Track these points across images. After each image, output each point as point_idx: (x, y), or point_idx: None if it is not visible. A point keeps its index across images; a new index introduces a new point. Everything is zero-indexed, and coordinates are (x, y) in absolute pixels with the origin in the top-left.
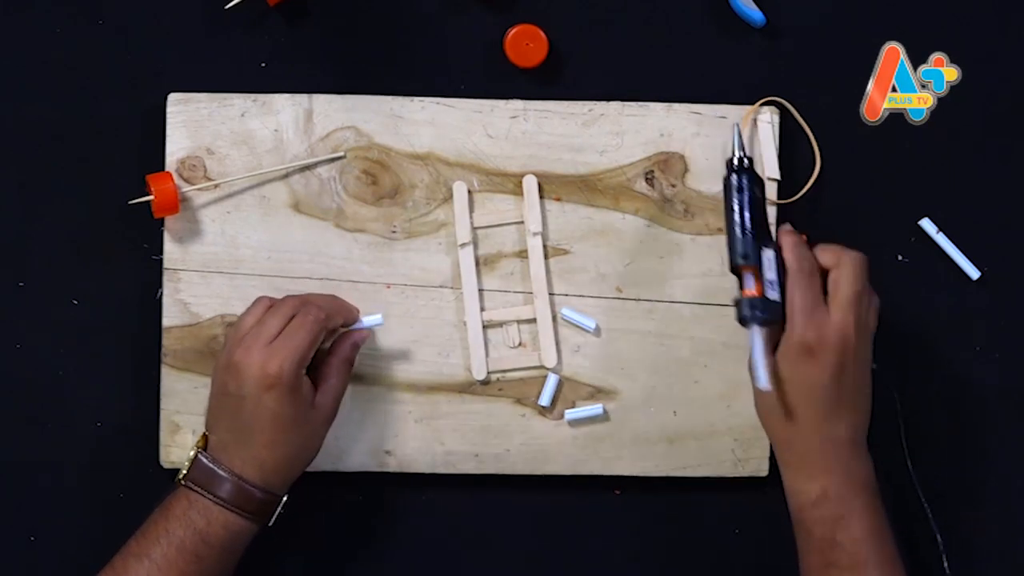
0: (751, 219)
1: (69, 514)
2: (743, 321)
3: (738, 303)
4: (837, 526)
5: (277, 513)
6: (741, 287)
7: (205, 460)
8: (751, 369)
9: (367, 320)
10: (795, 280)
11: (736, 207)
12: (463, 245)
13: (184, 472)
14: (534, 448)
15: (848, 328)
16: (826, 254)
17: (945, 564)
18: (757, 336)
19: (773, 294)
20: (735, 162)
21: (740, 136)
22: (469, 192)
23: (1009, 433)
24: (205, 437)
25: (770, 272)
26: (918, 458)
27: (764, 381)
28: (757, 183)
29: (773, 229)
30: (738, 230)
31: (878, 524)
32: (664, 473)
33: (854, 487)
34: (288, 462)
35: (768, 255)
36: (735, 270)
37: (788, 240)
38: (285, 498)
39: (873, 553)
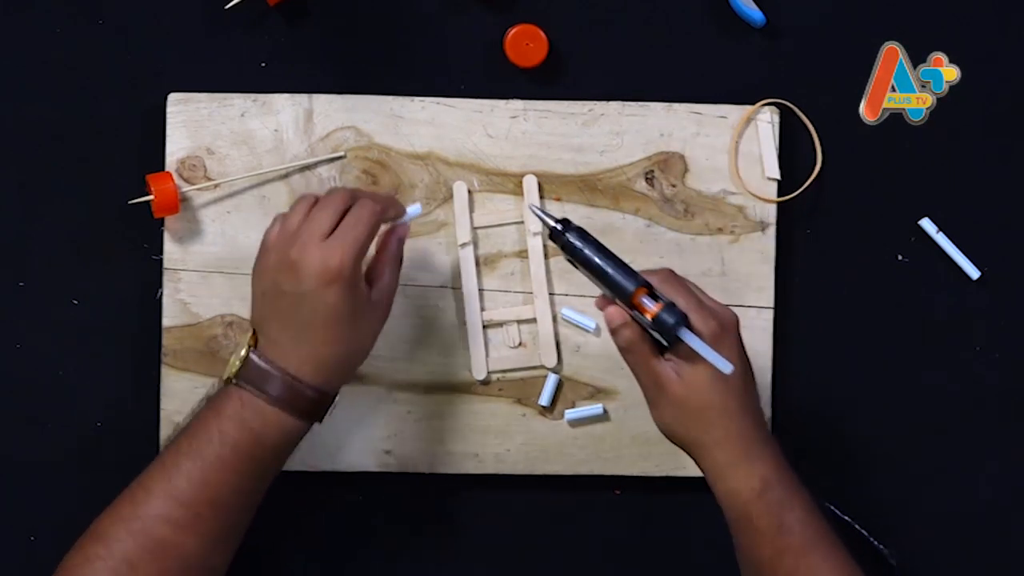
0: (611, 256)
1: (69, 514)
2: (672, 330)
3: (657, 318)
4: (783, 511)
5: (329, 412)
6: (641, 313)
7: (258, 360)
8: (652, 387)
9: (409, 210)
10: (670, 288)
11: (596, 254)
12: (463, 245)
13: (234, 371)
14: (534, 448)
15: (729, 310)
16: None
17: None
18: (692, 337)
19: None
20: (560, 226)
21: (539, 209)
22: (469, 192)
23: (1009, 433)
24: (255, 336)
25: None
26: (916, 457)
27: (729, 365)
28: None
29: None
30: (613, 268)
31: (814, 502)
32: (664, 473)
33: (786, 469)
34: (346, 359)
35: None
36: (625, 298)
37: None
38: (338, 397)
39: (820, 529)
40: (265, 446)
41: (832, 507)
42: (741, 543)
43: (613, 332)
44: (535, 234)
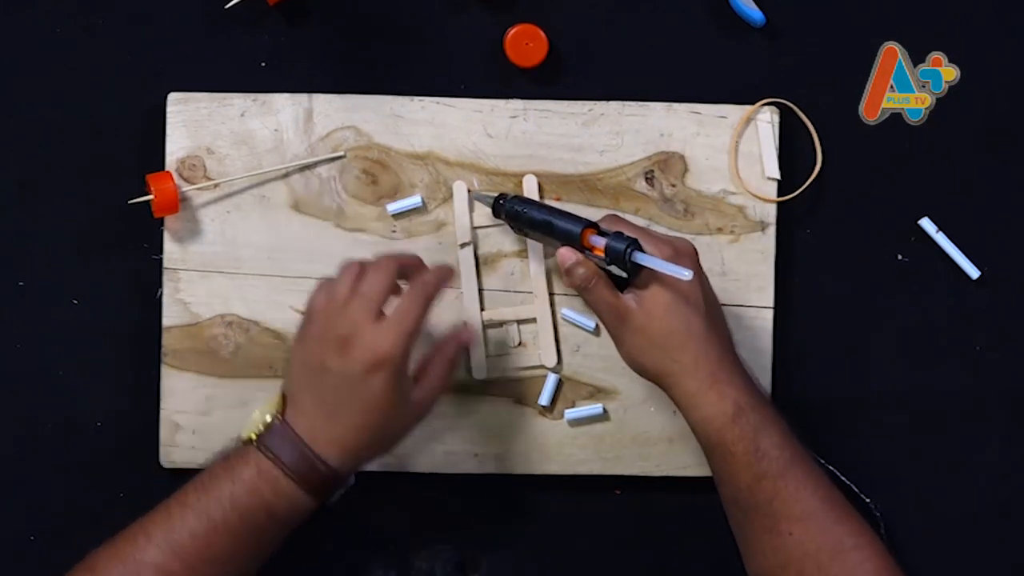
0: (554, 210)
1: (69, 514)
2: (624, 254)
3: (608, 247)
4: (759, 435)
5: (337, 495)
6: (591, 251)
7: (285, 429)
8: (614, 321)
9: (407, 201)
10: (618, 225)
11: (538, 211)
12: (463, 245)
13: (257, 434)
14: (534, 448)
15: (684, 240)
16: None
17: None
18: (645, 256)
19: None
20: (499, 199)
21: (477, 193)
22: (469, 192)
23: (1009, 433)
24: (284, 401)
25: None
26: (916, 457)
27: (687, 272)
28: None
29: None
30: (557, 218)
31: (786, 426)
32: (664, 473)
33: (757, 393)
34: (373, 449)
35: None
36: (575, 242)
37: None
38: (353, 482)
39: (797, 453)
40: (275, 518)
41: (813, 454)
42: (718, 471)
43: (567, 272)
44: None
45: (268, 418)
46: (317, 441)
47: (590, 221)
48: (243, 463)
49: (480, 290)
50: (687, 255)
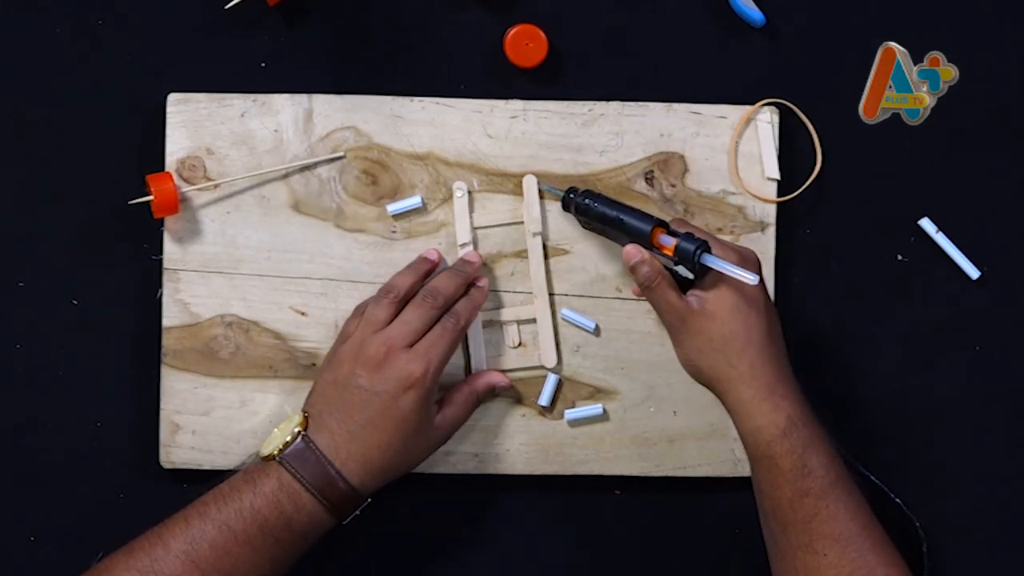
0: (624, 205)
1: (69, 514)
2: (693, 255)
3: (678, 247)
4: (807, 452)
5: (354, 515)
6: (659, 249)
7: (308, 446)
8: (675, 321)
9: (407, 201)
10: (688, 228)
11: (608, 206)
12: (463, 245)
13: (280, 449)
14: (534, 448)
15: (750, 249)
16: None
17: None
18: (713, 258)
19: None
20: (572, 194)
21: (546, 186)
22: (469, 192)
23: (1009, 433)
24: (306, 418)
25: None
26: (916, 457)
27: (754, 276)
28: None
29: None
30: (627, 215)
31: (832, 445)
32: (664, 473)
33: (810, 409)
34: (392, 469)
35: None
36: (643, 240)
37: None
38: (368, 500)
39: (841, 473)
40: (293, 531)
41: (854, 461)
42: (762, 482)
43: (633, 270)
44: (535, 234)
45: (290, 436)
46: (339, 459)
47: (660, 220)
48: (265, 477)
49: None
50: (752, 262)
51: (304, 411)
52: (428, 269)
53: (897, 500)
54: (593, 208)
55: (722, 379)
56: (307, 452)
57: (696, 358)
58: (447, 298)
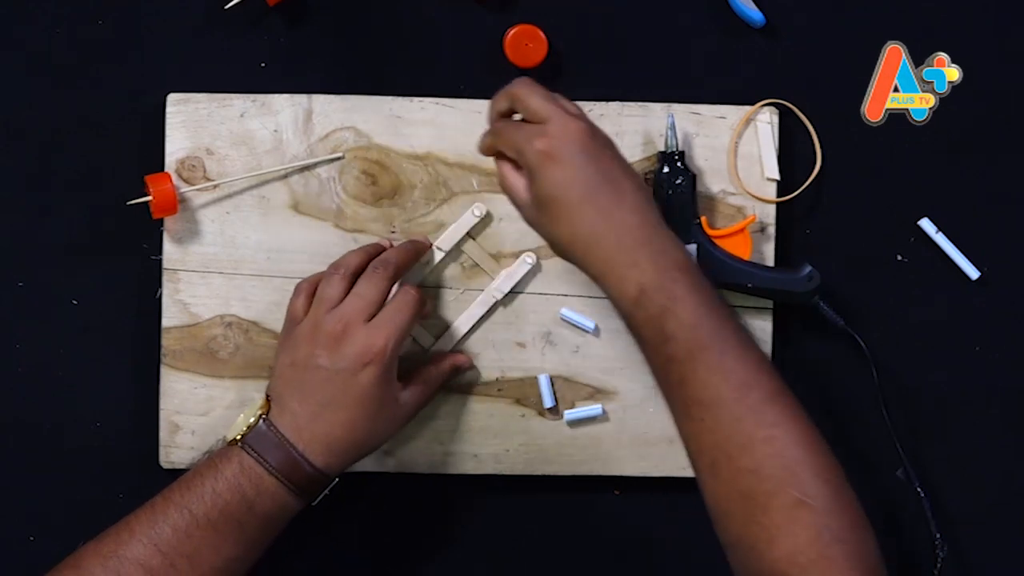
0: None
1: (69, 514)
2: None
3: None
4: (664, 319)
5: (323, 495)
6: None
7: (269, 429)
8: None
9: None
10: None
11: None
12: (439, 249)
13: (241, 434)
14: (534, 448)
15: (568, 124)
16: (501, 101)
17: (938, 564)
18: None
19: None
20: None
21: (674, 128)
22: (482, 217)
23: (1009, 434)
24: (268, 402)
25: None
26: (916, 459)
27: None
28: (686, 175)
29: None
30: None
31: (709, 306)
32: (664, 473)
33: (669, 273)
34: (356, 447)
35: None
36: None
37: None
38: (336, 481)
39: (710, 336)
40: (256, 514)
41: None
42: (641, 351)
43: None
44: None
45: (252, 419)
46: (302, 440)
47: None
48: (227, 461)
49: (480, 290)
50: (566, 104)
51: (267, 395)
52: (378, 251)
53: (929, 514)
54: None
55: (578, 263)
56: (269, 435)
57: (556, 250)
58: (398, 266)
